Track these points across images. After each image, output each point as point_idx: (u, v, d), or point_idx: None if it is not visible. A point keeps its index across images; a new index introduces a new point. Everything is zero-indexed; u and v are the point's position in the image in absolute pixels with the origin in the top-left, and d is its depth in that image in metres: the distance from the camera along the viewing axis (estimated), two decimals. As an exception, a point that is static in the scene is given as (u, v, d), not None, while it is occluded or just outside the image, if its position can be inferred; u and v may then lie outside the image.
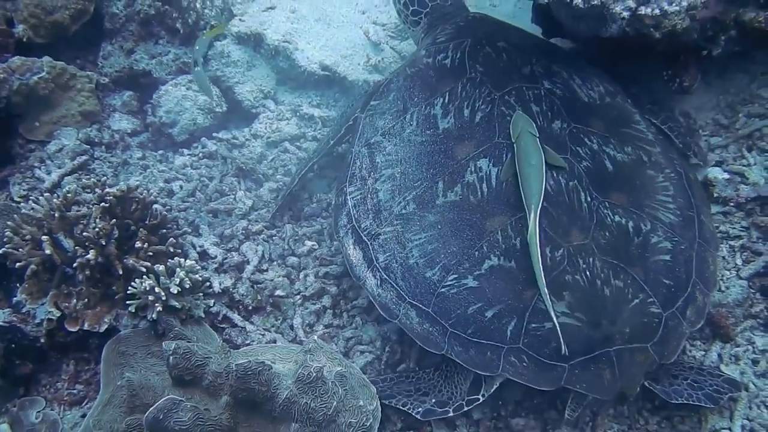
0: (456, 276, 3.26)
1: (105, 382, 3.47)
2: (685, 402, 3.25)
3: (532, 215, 3.13)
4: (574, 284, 3.14)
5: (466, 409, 3.27)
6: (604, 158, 3.52)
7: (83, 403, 3.62)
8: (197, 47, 4.61)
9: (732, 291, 3.66)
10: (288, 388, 2.96)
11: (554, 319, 3.01)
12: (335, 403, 2.97)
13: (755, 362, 3.51)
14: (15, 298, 3.70)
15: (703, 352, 3.58)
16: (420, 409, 3.29)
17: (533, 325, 3.12)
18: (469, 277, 3.24)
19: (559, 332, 3.00)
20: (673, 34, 3.73)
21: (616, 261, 3.22)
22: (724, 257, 3.80)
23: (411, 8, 4.49)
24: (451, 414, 3.27)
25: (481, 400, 3.27)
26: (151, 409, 2.80)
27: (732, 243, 3.84)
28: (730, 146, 4.16)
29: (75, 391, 3.66)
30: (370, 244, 3.52)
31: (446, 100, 3.70)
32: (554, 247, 3.19)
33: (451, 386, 3.35)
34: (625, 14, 2.89)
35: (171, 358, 3.06)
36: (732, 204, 3.91)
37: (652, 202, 3.44)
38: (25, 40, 4.67)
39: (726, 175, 3.98)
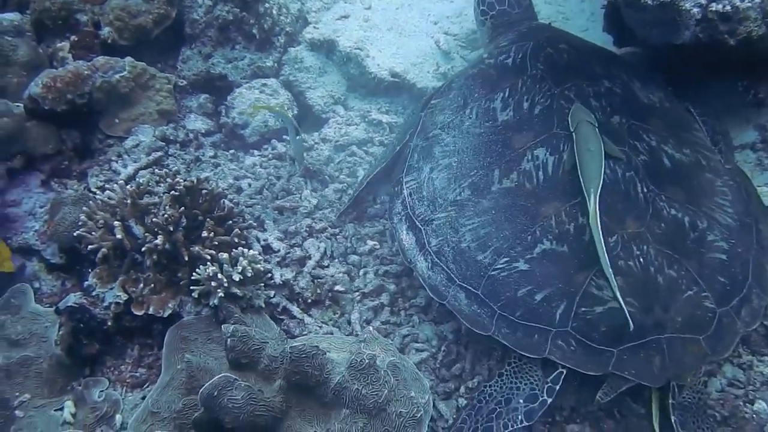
0: (507, 259, 3.28)
1: (166, 365, 3.56)
2: None
3: (593, 198, 3.12)
4: (626, 269, 3.12)
5: (556, 388, 3.20)
6: (662, 155, 3.50)
7: (144, 386, 3.71)
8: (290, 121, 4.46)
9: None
10: (340, 374, 2.98)
11: (619, 298, 2.97)
12: (386, 391, 2.97)
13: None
14: (86, 282, 3.83)
15: (772, 366, 3.45)
16: (520, 416, 3.22)
17: (583, 309, 3.11)
18: (521, 260, 3.25)
19: (626, 309, 2.96)
20: (748, 41, 3.65)
21: (671, 251, 3.20)
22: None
23: (480, 8, 4.59)
24: (548, 400, 3.20)
25: (557, 388, 3.20)
26: (206, 385, 2.85)
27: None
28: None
29: (137, 375, 3.76)
30: (423, 229, 3.59)
31: (506, 95, 3.76)
32: (608, 232, 3.16)
33: (525, 379, 3.28)
34: (696, 10, 2.82)
35: (229, 340, 3.12)
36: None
37: (710, 203, 3.41)
38: (109, 41, 4.90)
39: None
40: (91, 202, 3.84)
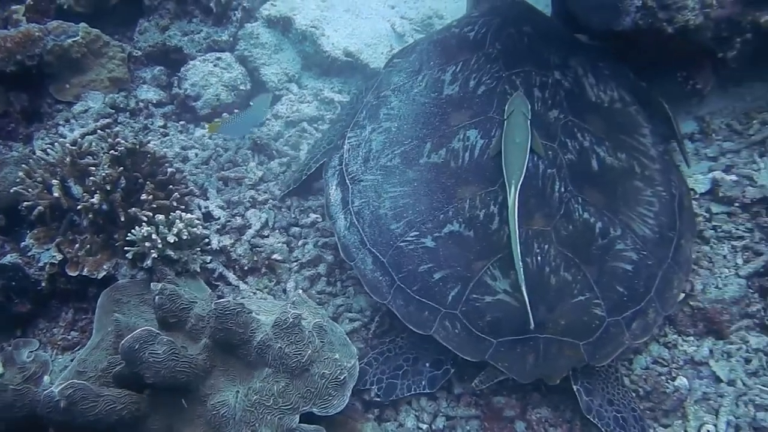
0: (417, 233, 3.31)
1: (97, 327, 3.54)
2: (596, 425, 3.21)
3: (513, 190, 3.15)
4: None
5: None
6: (592, 156, 3.49)
7: (76, 349, 3.69)
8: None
9: (729, 289, 3.58)
10: (264, 333, 2.99)
11: (524, 293, 3.01)
12: (310, 351, 2.97)
13: (747, 361, 3.42)
14: (23, 243, 3.80)
15: (695, 348, 3.50)
16: (423, 381, 3.29)
17: (474, 296, 3.15)
18: (429, 237, 3.29)
19: (528, 305, 3.01)
20: (686, 30, 3.73)
21: (572, 254, 3.20)
22: (724, 256, 3.75)
23: None
24: (451, 370, 3.28)
25: (451, 371, 3.30)
26: (127, 338, 2.82)
27: (735, 243, 3.77)
28: (742, 151, 4.10)
29: (69, 337, 3.75)
30: (351, 188, 3.61)
31: (457, 69, 3.78)
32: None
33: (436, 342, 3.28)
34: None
35: (157, 297, 3.10)
36: (737, 204, 3.85)
37: (630, 212, 3.39)
38: (65, 7, 4.91)
39: (733, 176, 3.93)
40: (30, 160, 3.82)
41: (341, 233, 3.55)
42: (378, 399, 3.31)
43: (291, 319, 2.97)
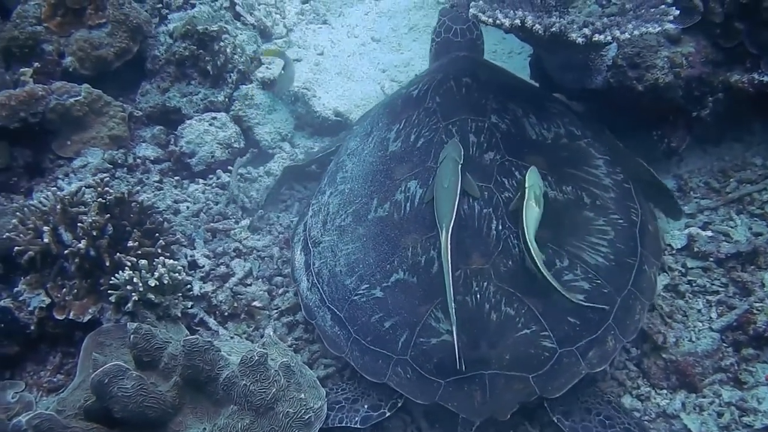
0: (368, 286, 3.44)
1: (80, 369, 3.62)
2: None
3: (444, 233, 3.23)
4: (462, 304, 3.20)
5: (399, 405, 3.34)
6: None
7: (60, 391, 3.75)
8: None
9: (702, 342, 3.60)
10: (231, 370, 3.06)
11: (454, 332, 3.08)
12: (274, 390, 3.04)
13: (720, 414, 3.42)
14: (15, 288, 3.93)
15: (667, 401, 3.51)
16: (357, 418, 3.35)
17: (421, 340, 3.24)
18: (378, 287, 3.41)
19: (457, 346, 3.08)
20: (656, 88, 3.89)
21: (513, 289, 3.26)
22: (699, 310, 3.78)
23: (432, 34, 4.69)
24: (387, 414, 3.32)
25: (399, 405, 3.36)
26: (97, 371, 2.92)
27: (709, 298, 3.81)
28: (719, 209, 4.17)
29: (55, 380, 3.85)
30: (312, 250, 3.77)
31: (401, 126, 3.90)
32: (452, 268, 3.21)
33: (378, 388, 3.39)
34: (580, 40, 3.04)
35: (132, 336, 3.20)
36: (712, 259, 3.91)
37: (579, 242, 3.43)
38: (71, 70, 5.16)
39: (708, 233, 4.00)
40: (25, 208, 4.00)
41: (304, 294, 3.72)
42: None
43: (257, 358, 3.05)
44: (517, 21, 3.16)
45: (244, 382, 3.03)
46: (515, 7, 3.34)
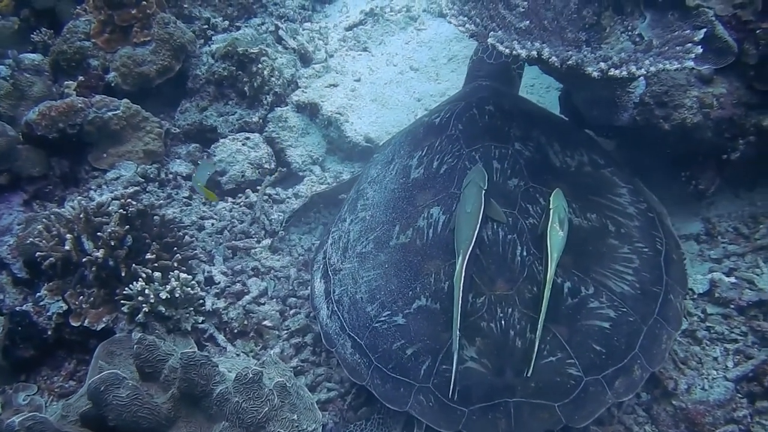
0: (389, 313, 3.39)
1: (89, 377, 3.68)
2: None
3: (460, 259, 3.18)
4: (487, 331, 3.16)
5: None
6: None
7: (69, 397, 3.83)
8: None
9: (715, 391, 3.46)
10: (225, 386, 3.06)
11: (454, 360, 3.05)
12: (267, 409, 3.02)
13: (730, 467, 3.28)
14: (38, 294, 4.06)
15: (677, 450, 3.40)
16: None
17: (444, 367, 3.16)
18: (400, 314, 3.35)
19: (453, 374, 3.05)
20: (683, 128, 3.79)
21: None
22: (715, 358, 3.65)
23: (474, 49, 4.74)
24: None
25: None
26: (94, 378, 2.96)
27: (727, 346, 3.68)
28: (747, 255, 4.03)
29: (67, 386, 3.94)
30: (332, 278, 3.73)
31: (423, 153, 3.88)
32: (477, 293, 3.23)
33: (387, 428, 3.39)
34: (596, 74, 2.99)
35: (136, 347, 3.23)
36: (733, 306, 3.77)
37: (605, 270, 3.37)
38: (113, 85, 5.34)
39: (732, 279, 3.86)
40: (52, 216, 4.11)
41: (324, 322, 3.66)
42: None
43: (251, 375, 3.04)
44: (534, 52, 3.13)
45: (236, 398, 3.02)
46: (543, 41, 3.32)
